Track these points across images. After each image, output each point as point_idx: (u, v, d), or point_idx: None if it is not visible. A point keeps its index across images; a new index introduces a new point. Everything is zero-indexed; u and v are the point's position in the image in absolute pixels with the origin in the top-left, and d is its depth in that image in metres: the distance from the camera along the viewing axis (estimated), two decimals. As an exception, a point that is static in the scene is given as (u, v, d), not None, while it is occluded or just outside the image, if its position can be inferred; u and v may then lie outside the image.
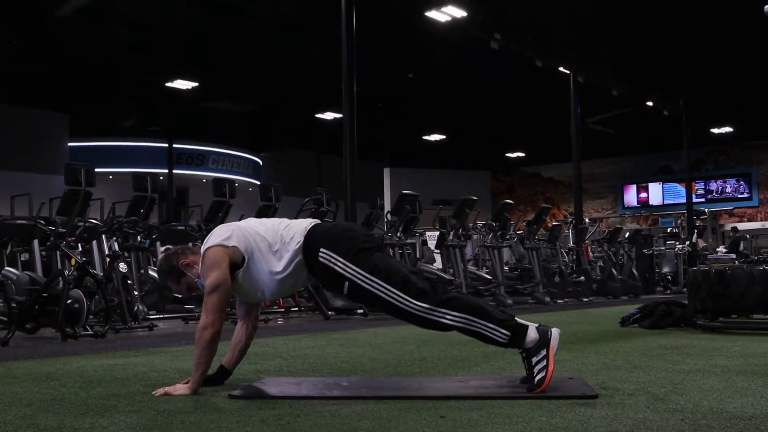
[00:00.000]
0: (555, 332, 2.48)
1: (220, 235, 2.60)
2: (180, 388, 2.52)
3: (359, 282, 2.50)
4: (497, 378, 2.87)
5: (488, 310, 2.49)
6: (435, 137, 21.28)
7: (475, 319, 2.46)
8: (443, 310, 2.46)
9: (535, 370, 2.45)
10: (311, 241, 2.56)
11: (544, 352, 2.44)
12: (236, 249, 2.56)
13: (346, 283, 2.52)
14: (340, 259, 2.52)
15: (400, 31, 12.68)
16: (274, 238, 2.59)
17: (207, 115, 17.77)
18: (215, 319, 2.52)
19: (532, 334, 2.47)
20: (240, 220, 9.10)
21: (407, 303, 2.47)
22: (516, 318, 2.51)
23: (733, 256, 11.08)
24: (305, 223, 2.64)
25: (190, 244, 2.74)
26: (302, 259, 2.56)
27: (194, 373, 2.54)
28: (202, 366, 2.52)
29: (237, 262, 2.56)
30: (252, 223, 2.68)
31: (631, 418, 2.02)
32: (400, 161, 22.61)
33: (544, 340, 2.45)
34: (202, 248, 2.62)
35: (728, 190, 22.40)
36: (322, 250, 2.53)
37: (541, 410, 2.15)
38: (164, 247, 2.89)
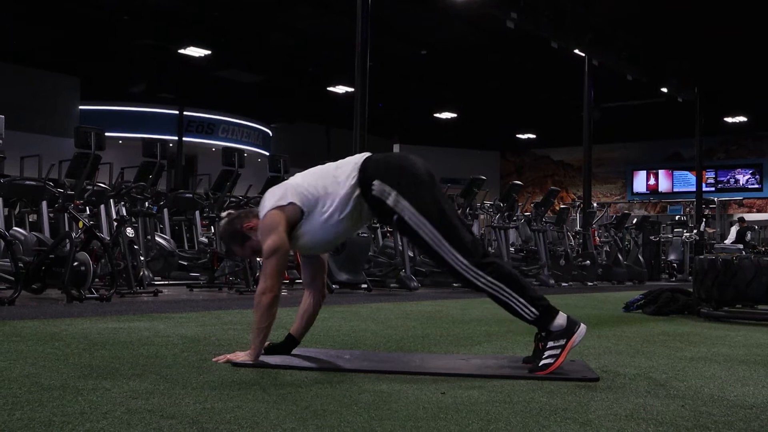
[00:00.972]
0: (582, 328, 2.46)
1: (273, 197, 2.55)
2: (241, 355, 2.50)
3: (407, 219, 2.45)
4: (499, 357, 2.88)
5: (523, 285, 2.47)
6: (446, 115, 21.17)
7: (507, 290, 2.44)
8: (480, 273, 2.43)
9: (546, 353, 2.44)
10: (365, 174, 2.50)
11: (562, 342, 2.43)
12: (293, 205, 2.51)
13: (395, 216, 2.47)
14: (393, 192, 2.46)
15: (415, 7, 12.55)
16: (327, 182, 2.53)
17: (218, 83, 17.70)
18: (273, 283, 2.48)
19: (560, 320, 2.45)
20: (248, 190, 9.03)
21: (448, 253, 2.44)
22: (548, 300, 2.49)
23: (740, 246, 11.05)
24: (357, 158, 2.58)
25: (251, 208, 2.69)
26: (360, 194, 2.50)
27: (254, 339, 2.51)
28: (262, 331, 2.50)
29: (296, 218, 2.52)
30: (301, 176, 2.62)
31: (631, 402, 2.02)
32: (411, 138, 22.50)
33: (569, 331, 2.43)
34: (260, 214, 2.57)
35: (741, 181, 22.19)
36: (375, 181, 2.48)
37: (541, 391, 2.16)
38: (226, 212, 2.82)
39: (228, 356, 2.53)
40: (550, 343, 2.44)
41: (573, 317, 2.48)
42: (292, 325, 2.76)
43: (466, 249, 2.45)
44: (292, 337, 2.72)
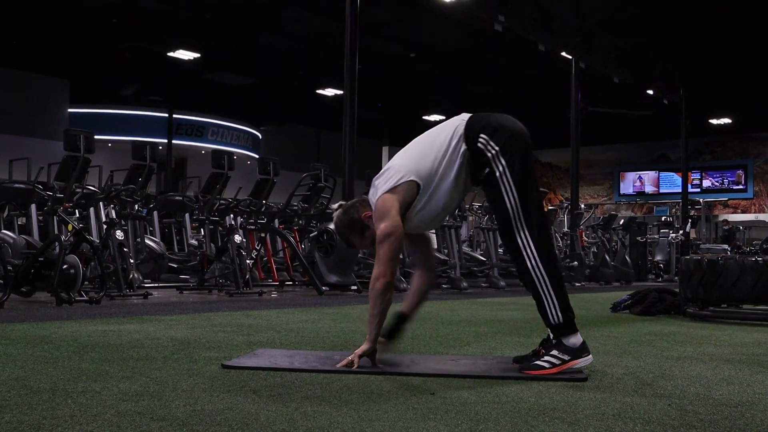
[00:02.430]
0: (589, 358, 2.45)
1: (384, 182, 2.49)
2: (359, 349, 2.48)
3: (497, 176, 2.43)
4: (488, 358, 2.88)
5: (563, 289, 2.47)
6: (434, 117, 21.22)
7: (549, 285, 2.43)
8: (536, 256, 2.42)
9: (544, 359, 2.44)
10: (472, 129, 2.48)
11: (566, 358, 2.42)
12: (408, 183, 2.46)
13: (488, 170, 2.45)
14: (496, 148, 2.44)
15: (404, 10, 12.59)
16: (434, 148, 2.49)
17: (208, 86, 17.69)
18: (387, 269, 2.44)
19: (576, 338, 2.44)
20: (237, 193, 8.94)
21: (518, 224, 2.43)
22: (575, 317, 2.48)
23: (726, 246, 11.11)
24: (460, 117, 2.55)
25: (363, 197, 2.64)
26: (465, 149, 2.47)
27: (370, 325, 2.49)
28: (377, 317, 2.46)
29: (413, 195, 2.47)
30: (405, 153, 2.56)
31: (618, 402, 2.03)
32: (400, 140, 22.51)
33: (577, 352, 2.43)
34: (372, 202, 2.52)
35: (725, 183, 22.34)
36: (482, 135, 2.46)
37: (530, 391, 2.17)
38: (337, 204, 2.76)
39: (348, 358, 2.48)
40: (554, 352, 2.44)
41: (587, 345, 2.48)
42: (402, 303, 2.71)
43: (535, 229, 2.44)
44: (402, 314, 2.68)
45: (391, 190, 2.46)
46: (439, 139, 2.52)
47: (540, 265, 2.43)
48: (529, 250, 2.44)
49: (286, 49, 15.06)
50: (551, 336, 2.49)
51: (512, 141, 2.47)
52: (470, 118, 2.53)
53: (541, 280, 2.44)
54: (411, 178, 2.46)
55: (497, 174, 2.45)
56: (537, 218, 2.47)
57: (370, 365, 2.49)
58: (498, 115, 2.57)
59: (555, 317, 2.44)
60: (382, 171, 2.55)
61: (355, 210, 2.59)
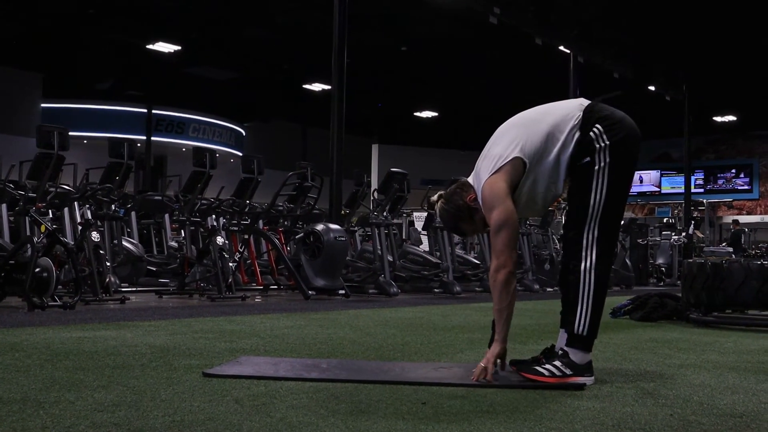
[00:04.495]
0: (591, 379, 2.38)
1: (490, 161, 2.38)
2: (490, 352, 2.35)
3: (595, 170, 2.34)
4: (482, 366, 2.81)
5: (601, 307, 2.39)
6: (427, 114, 21.14)
7: (592, 296, 2.35)
8: (594, 259, 2.34)
9: (545, 366, 2.37)
10: (590, 116, 2.38)
11: (567, 371, 2.35)
12: (514, 160, 2.34)
13: (587, 159, 2.35)
14: (606, 141, 2.35)
15: (395, 1, 12.46)
16: (542, 125, 2.38)
17: (189, 80, 17.46)
18: (507, 258, 2.32)
19: (586, 357, 2.38)
20: (219, 193, 8.75)
21: (592, 226, 2.35)
22: (596, 339, 2.42)
23: (730, 249, 11.03)
24: (577, 101, 2.47)
25: (464, 179, 2.54)
26: (578, 136, 2.37)
27: (498, 324, 2.37)
28: (505, 311, 2.35)
29: (519, 174, 2.36)
30: (507, 129, 2.44)
31: (618, 412, 1.99)
32: (390, 138, 22.46)
33: (581, 370, 2.36)
34: (478, 187, 2.42)
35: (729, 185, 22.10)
36: (598, 125, 2.36)
37: (526, 400, 2.12)
38: (437, 194, 2.66)
39: (480, 364, 2.34)
40: (557, 363, 2.37)
41: (592, 366, 2.42)
42: None
43: (605, 236, 2.37)
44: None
45: (498, 172, 2.35)
46: (552, 117, 2.41)
47: (594, 271, 2.36)
48: (590, 252, 2.36)
49: (272, 42, 14.89)
50: (560, 346, 2.42)
51: (624, 142, 2.39)
52: (590, 104, 2.45)
53: (587, 286, 2.37)
54: (518, 156, 2.35)
55: (596, 167, 2.36)
56: (612, 227, 2.41)
57: (500, 370, 2.39)
58: (620, 112, 2.48)
59: (582, 327, 2.37)
60: (485, 151, 2.44)
61: (459, 196, 2.50)
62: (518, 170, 2.36)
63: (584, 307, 2.37)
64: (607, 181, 2.35)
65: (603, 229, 2.37)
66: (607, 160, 2.36)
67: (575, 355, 2.37)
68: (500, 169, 2.36)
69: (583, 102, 2.46)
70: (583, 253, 2.36)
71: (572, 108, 2.44)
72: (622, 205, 2.44)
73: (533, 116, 2.46)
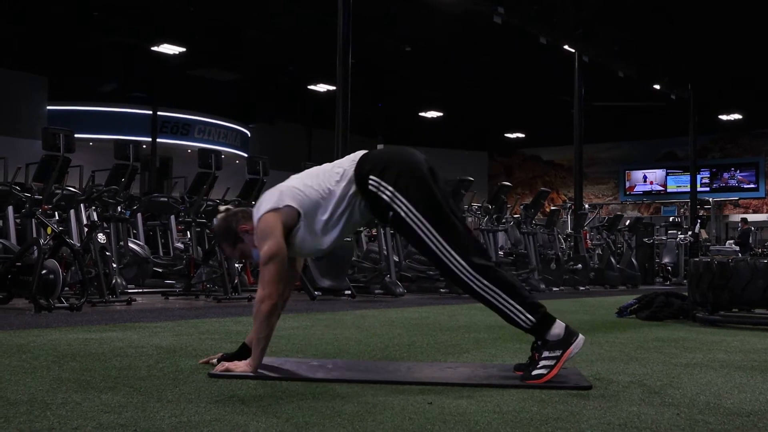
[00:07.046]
0: (580, 339, 2.38)
1: (269, 200, 2.46)
2: (241, 365, 2.42)
3: (403, 215, 2.37)
4: (488, 366, 2.81)
5: (520, 292, 2.39)
6: (431, 114, 21.11)
7: (504, 296, 2.36)
8: (477, 276, 2.35)
9: (540, 363, 2.37)
10: (362, 170, 2.42)
11: (558, 353, 2.36)
12: (289, 207, 2.43)
13: (391, 213, 2.39)
14: (389, 188, 2.38)
15: (399, 1, 12.45)
16: (323, 181, 2.47)
17: (194, 82, 17.51)
18: (272, 291, 2.39)
19: (557, 329, 2.38)
20: (225, 194, 8.77)
21: (446, 253, 2.36)
22: (546, 308, 2.41)
23: (737, 248, 10.93)
24: (354, 155, 2.51)
25: (248, 208, 2.58)
26: (355, 191, 2.43)
27: (254, 350, 2.43)
28: (262, 341, 2.42)
29: (293, 221, 2.44)
30: (297, 178, 2.53)
31: (625, 411, 1.98)
32: (395, 138, 22.41)
33: (566, 341, 2.36)
34: (254, 219, 2.48)
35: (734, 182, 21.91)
36: (372, 177, 2.40)
37: (532, 400, 2.11)
38: (224, 207, 2.72)
39: (227, 365, 2.44)
40: (546, 353, 2.37)
41: (571, 327, 2.41)
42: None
43: (465, 250, 2.37)
44: (245, 345, 2.61)
45: (275, 210, 2.43)
46: (333, 175, 2.47)
47: (485, 281, 2.36)
48: (468, 274, 2.37)
49: (276, 43, 14.90)
50: (535, 339, 2.43)
51: (404, 172, 2.41)
52: (361, 158, 2.48)
53: (495, 295, 2.37)
54: (293, 206, 2.43)
55: (402, 214, 2.39)
56: (459, 233, 2.40)
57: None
58: (389, 149, 2.55)
59: (526, 321, 2.37)
60: (272, 189, 2.52)
61: (236, 221, 2.56)
62: (292, 218, 2.44)
63: (508, 307, 2.37)
64: (420, 215, 2.38)
65: (455, 248, 2.37)
66: (403, 201, 2.39)
67: (550, 335, 2.37)
68: (278, 210, 2.43)
69: (355, 157, 2.49)
70: (465, 279, 2.37)
71: (345, 165, 2.47)
72: (443, 211, 2.42)
73: (318, 171, 2.53)
